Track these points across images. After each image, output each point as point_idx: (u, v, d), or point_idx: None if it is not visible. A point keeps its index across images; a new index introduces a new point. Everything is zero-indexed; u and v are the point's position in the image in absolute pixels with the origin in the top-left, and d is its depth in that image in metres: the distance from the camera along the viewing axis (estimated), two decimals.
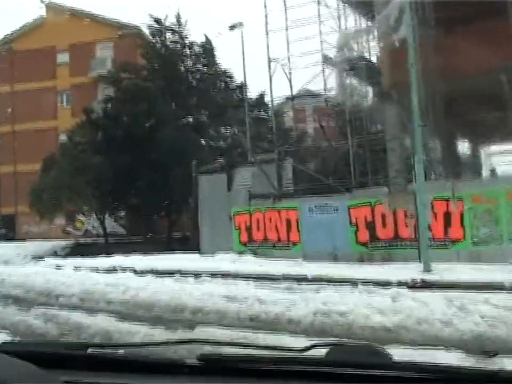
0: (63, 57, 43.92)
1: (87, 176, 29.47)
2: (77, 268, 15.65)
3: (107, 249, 30.88)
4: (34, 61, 41.86)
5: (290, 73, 20.85)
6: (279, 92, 22.45)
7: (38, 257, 30.98)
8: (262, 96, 33.10)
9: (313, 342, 1.86)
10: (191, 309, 8.92)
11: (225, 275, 13.10)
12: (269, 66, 20.66)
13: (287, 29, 20.71)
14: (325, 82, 20.09)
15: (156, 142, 28.94)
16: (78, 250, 32.77)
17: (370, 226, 16.47)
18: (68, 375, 1.58)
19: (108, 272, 14.82)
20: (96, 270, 15.29)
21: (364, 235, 16.61)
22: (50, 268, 16.78)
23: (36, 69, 41.94)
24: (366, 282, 10.85)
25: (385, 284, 10.50)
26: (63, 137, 37.07)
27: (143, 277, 13.36)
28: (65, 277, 13.75)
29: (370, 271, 12.91)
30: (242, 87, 30.86)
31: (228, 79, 35.67)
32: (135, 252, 22.11)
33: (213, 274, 13.12)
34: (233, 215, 19.45)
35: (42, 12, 45.29)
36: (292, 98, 21.78)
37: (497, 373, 1.63)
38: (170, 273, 13.66)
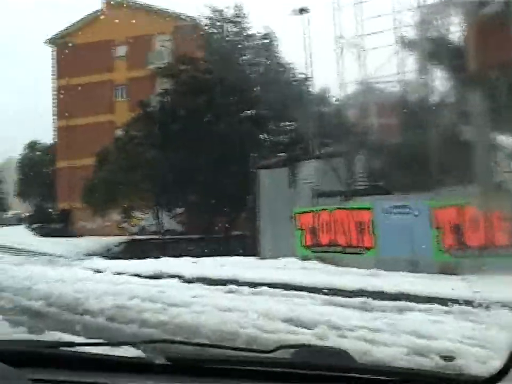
0: (120, 51, 43.30)
1: (143, 171, 28.54)
2: (117, 274, 13.98)
3: (162, 247, 29.89)
4: (91, 55, 41.26)
5: (360, 56, 18.72)
6: (348, 78, 20.37)
7: (89, 255, 30.25)
8: (325, 89, 31.38)
9: (279, 344, 1.83)
10: (245, 339, 6.96)
11: (287, 287, 11.08)
12: (337, 46, 18.57)
13: (358, 5, 18.51)
14: (401, 66, 17.84)
15: (215, 137, 27.59)
16: (133, 247, 31.87)
17: (457, 230, 14.14)
18: (36, 373, 1.55)
19: (151, 279, 13.08)
20: (139, 276, 13.58)
21: (449, 241, 14.30)
22: (89, 271, 15.11)
23: (93, 62, 41.39)
24: (466, 301, 8.63)
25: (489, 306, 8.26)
26: (119, 132, 36.29)
27: (190, 286, 11.53)
28: (100, 284, 12.12)
29: (463, 285, 10.63)
30: (305, 79, 29.30)
31: (291, 72, 34.04)
32: (190, 250, 20.69)
33: (273, 285, 11.13)
34: (296, 214, 17.41)
35: (100, 5, 44.66)
36: (363, 84, 19.65)
37: (455, 377, 1.79)
38: (223, 282, 11.73)
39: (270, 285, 11.16)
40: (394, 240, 14.72)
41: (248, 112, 31.56)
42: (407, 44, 17.41)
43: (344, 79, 20.34)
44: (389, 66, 18.42)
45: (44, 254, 28.01)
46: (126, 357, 1.87)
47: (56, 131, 44.52)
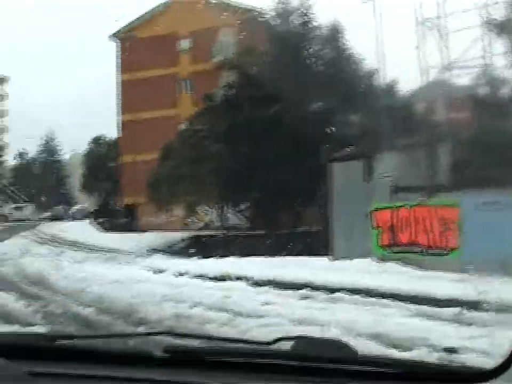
0: (184, 44, 42.78)
1: (208, 166, 27.91)
2: (179, 274, 12.99)
3: (227, 243, 29.11)
4: (155, 49, 40.86)
5: (442, 39, 17.24)
6: (428, 63, 18.88)
7: (153, 250, 29.81)
8: (396, 79, 29.97)
9: (279, 335, 1.81)
10: None
11: (367, 293, 9.82)
12: (417, 29, 17.16)
13: None
14: (487, 49, 16.30)
15: (281, 130, 26.65)
16: (197, 243, 31.22)
17: None
18: (32, 365, 1.53)
19: (215, 281, 12.03)
20: (202, 277, 12.56)
21: None
22: (148, 272, 14.16)
23: (157, 56, 40.97)
24: None
25: None
26: (183, 126, 35.89)
27: (260, 290, 10.43)
28: (159, 287, 11.18)
29: None
30: (374, 71, 28.03)
31: (359, 63, 32.67)
32: (255, 247, 19.72)
33: (352, 291, 9.89)
34: (372, 211, 16.11)
35: None
36: (446, 69, 18.15)
37: (458, 369, 1.76)
38: (296, 286, 10.56)
39: (349, 291, 9.92)
40: (483, 240, 13.16)
41: (315, 104, 30.60)
42: (494, 26, 15.83)
43: (424, 65, 18.88)
44: (473, 50, 16.87)
45: (107, 250, 27.65)
46: (125, 350, 1.86)
47: (120, 126, 44.51)
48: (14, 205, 60.66)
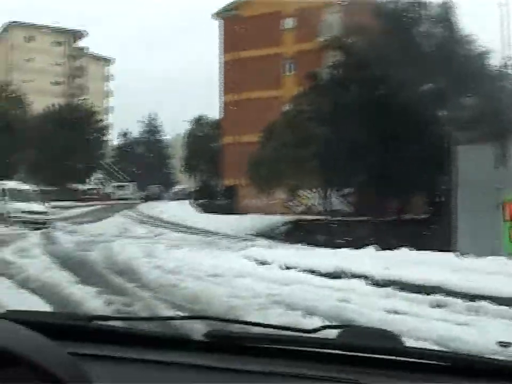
0: (288, 23, 41.51)
1: (312, 148, 26.73)
2: (286, 268, 11.38)
3: (330, 228, 27.94)
4: (259, 28, 40.04)
5: None
6: None
7: (253, 234, 29.06)
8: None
9: (324, 323, 1.22)
10: None
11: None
12: None
13: None
14: None
15: (388, 112, 24.98)
16: (298, 228, 30.19)
17: None
18: (73, 346, 1.45)
19: (328, 278, 10.41)
20: (313, 272, 10.87)
21: None
22: (251, 262, 12.45)
23: (260, 36, 40.14)
24: None
25: None
26: (287, 107, 34.91)
27: (382, 293, 8.87)
28: (264, 284, 9.69)
29: None
30: (488, 52, 25.95)
31: (472, 43, 30.28)
32: (363, 234, 18.28)
33: (494, 299, 8.17)
34: (504, 202, 14.23)
35: None
36: None
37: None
38: (424, 290, 8.91)
39: (493, 299, 8.02)
40: None
41: (426, 85, 28.67)
42: None
43: None
44: None
45: (205, 232, 27.03)
46: (164, 333, 1.80)
47: (223, 106, 43.97)
48: (116, 184, 61.78)
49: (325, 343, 1.67)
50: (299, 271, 10.86)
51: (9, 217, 24.51)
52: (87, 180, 58.43)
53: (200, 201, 40.99)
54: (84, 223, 26.40)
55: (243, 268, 11.38)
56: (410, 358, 1.59)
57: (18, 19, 78.33)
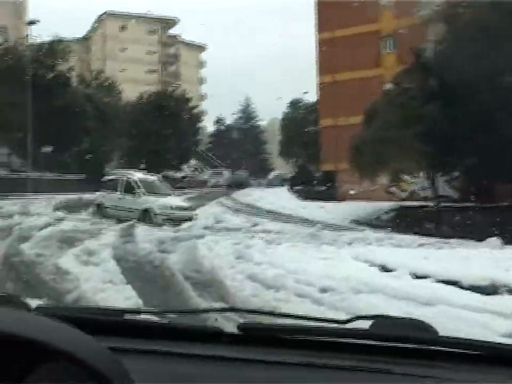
0: None
1: (417, 129, 24.80)
2: (414, 276, 8.63)
3: (438, 216, 26.00)
4: (356, 4, 37.99)
5: None
6: None
7: (356, 223, 27.46)
8: None
9: (357, 314, 1.78)
10: None
11: None
12: None
13: None
14: None
15: (502, 91, 22.53)
16: (404, 215, 28.22)
17: None
18: (108, 341, 1.44)
19: (479, 293, 7.61)
20: (455, 284, 8.07)
21: None
22: (368, 267, 9.73)
23: (357, 13, 38.12)
24: None
25: None
26: (388, 87, 32.91)
27: None
28: (395, 303, 7.03)
29: None
30: None
31: None
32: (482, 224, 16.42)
33: None
34: None
35: None
36: None
37: None
38: None
39: None
40: None
41: None
42: None
43: None
44: None
45: (307, 221, 25.52)
46: (195, 326, 1.83)
47: (320, 88, 42.26)
48: (211, 171, 61.40)
49: (357, 333, 1.66)
50: (435, 281, 8.67)
51: (156, 214, 21.19)
52: (182, 168, 58.24)
53: (298, 187, 39.56)
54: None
55: (360, 274, 8.74)
56: (443, 347, 1.59)
57: (112, 9, 79.51)
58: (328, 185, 39.11)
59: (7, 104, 32.62)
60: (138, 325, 1.82)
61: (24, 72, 35.49)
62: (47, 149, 36.82)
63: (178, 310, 2.62)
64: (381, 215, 29.38)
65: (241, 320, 1.81)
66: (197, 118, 61.86)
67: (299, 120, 46.60)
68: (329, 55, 40.20)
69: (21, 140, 36.28)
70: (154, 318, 1.99)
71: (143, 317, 1.99)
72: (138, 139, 48.59)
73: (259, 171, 70.30)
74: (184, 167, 59.22)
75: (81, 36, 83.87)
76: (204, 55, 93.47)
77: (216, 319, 1.96)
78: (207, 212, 25.73)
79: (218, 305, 6.54)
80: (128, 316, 1.88)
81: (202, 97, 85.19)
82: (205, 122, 74.19)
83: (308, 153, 43.72)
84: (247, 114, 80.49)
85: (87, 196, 28.50)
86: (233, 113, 77.52)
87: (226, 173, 59.43)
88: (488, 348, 1.63)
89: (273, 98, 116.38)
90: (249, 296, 7.95)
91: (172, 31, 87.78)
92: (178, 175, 53.79)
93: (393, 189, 35.70)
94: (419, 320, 1.76)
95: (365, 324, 1.68)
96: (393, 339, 1.62)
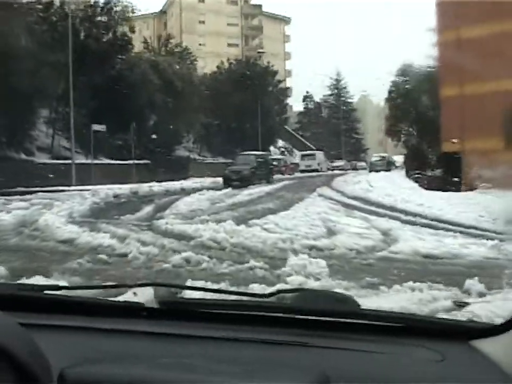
0: None
1: None
2: None
3: None
4: None
5: None
6: None
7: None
8: None
9: (277, 288, 1.99)
10: None
11: None
12: None
13: None
14: None
15: None
16: None
17: None
18: (23, 317, 1.45)
19: None
20: None
21: None
22: None
23: None
24: None
25: None
26: None
27: None
28: None
29: None
30: None
31: None
32: None
33: None
34: None
35: None
36: None
37: (465, 324, 1.70)
38: None
39: None
40: None
41: None
42: None
43: None
44: None
45: (449, 224, 17.66)
46: (116, 301, 1.83)
47: (439, 47, 34.10)
48: (302, 153, 53.62)
49: (279, 307, 1.70)
50: None
51: None
52: (269, 150, 51.17)
53: (415, 173, 31.60)
54: (270, 211, 17.88)
55: None
56: (364, 320, 1.62)
57: None
58: (448, 170, 31.01)
59: (48, 70, 25.51)
60: (57, 300, 1.78)
61: (71, 32, 28.29)
62: (99, 127, 29.62)
63: (97, 285, 2.61)
64: None
65: (162, 295, 1.71)
66: (284, 93, 54.76)
67: (410, 89, 38.20)
68: (452, 8, 32.06)
69: (65, 115, 29.62)
70: (75, 293, 1.97)
71: (62, 292, 1.91)
72: (217, 115, 41.84)
73: (353, 153, 63.24)
74: (271, 148, 51.93)
75: (157, 10, 78.66)
76: (288, 29, 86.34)
77: (135, 293, 1.83)
78: (311, 212, 18.23)
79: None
80: (47, 292, 1.86)
81: (288, 73, 78.17)
82: (292, 101, 67.21)
83: (422, 130, 35.49)
84: (337, 91, 73.16)
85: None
86: (327, 86, 70.12)
87: (319, 155, 51.79)
88: (409, 320, 1.67)
89: (365, 73, 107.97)
90: None
91: (254, 1, 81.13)
92: None
93: None
94: (341, 294, 1.93)
95: (287, 298, 1.72)
96: (316, 312, 1.63)
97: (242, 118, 43.58)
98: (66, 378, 1.29)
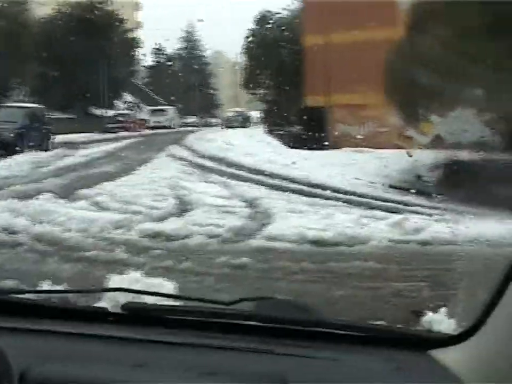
0: None
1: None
2: None
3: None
4: None
5: None
6: None
7: (394, 187, 17.86)
8: None
9: (241, 296, 1.82)
10: None
11: None
12: None
13: None
14: None
15: None
16: (459, 173, 18.31)
17: None
18: None
19: None
20: None
21: None
22: None
23: None
24: None
25: None
26: None
27: None
28: None
29: None
30: None
31: None
32: None
33: None
34: None
35: None
36: None
37: (423, 333, 1.81)
38: None
39: None
40: None
41: None
42: None
43: None
44: None
45: (315, 187, 15.14)
46: (79, 305, 1.86)
47: None
48: (152, 108, 50.14)
49: (243, 315, 1.71)
50: None
51: None
52: (115, 105, 46.80)
53: (276, 129, 28.92)
54: (107, 177, 14.21)
55: None
56: (324, 328, 1.64)
57: None
58: (314, 126, 28.60)
59: None
60: (22, 304, 1.77)
61: None
62: None
63: (64, 289, 2.65)
64: (424, 174, 19.20)
65: (126, 300, 1.68)
66: (132, 45, 50.39)
67: (271, 38, 35.16)
68: None
69: None
70: (38, 297, 1.95)
71: (27, 296, 1.93)
72: (56, 65, 36.99)
73: (206, 109, 60.36)
74: (117, 103, 47.55)
75: None
76: None
77: (100, 298, 1.91)
78: (159, 177, 14.80)
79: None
80: (12, 296, 1.84)
81: (139, 25, 73.02)
82: (143, 56, 62.79)
83: (283, 84, 32.74)
84: (189, 44, 69.61)
85: None
86: (179, 38, 66.37)
87: (171, 111, 48.62)
88: (368, 329, 1.68)
89: (220, 28, 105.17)
90: None
91: None
92: (110, 112, 42.30)
93: (409, 133, 25.93)
94: (304, 302, 1.84)
95: (250, 306, 1.73)
96: (278, 320, 1.63)
97: (85, 69, 39.01)
98: (27, 378, 1.30)
